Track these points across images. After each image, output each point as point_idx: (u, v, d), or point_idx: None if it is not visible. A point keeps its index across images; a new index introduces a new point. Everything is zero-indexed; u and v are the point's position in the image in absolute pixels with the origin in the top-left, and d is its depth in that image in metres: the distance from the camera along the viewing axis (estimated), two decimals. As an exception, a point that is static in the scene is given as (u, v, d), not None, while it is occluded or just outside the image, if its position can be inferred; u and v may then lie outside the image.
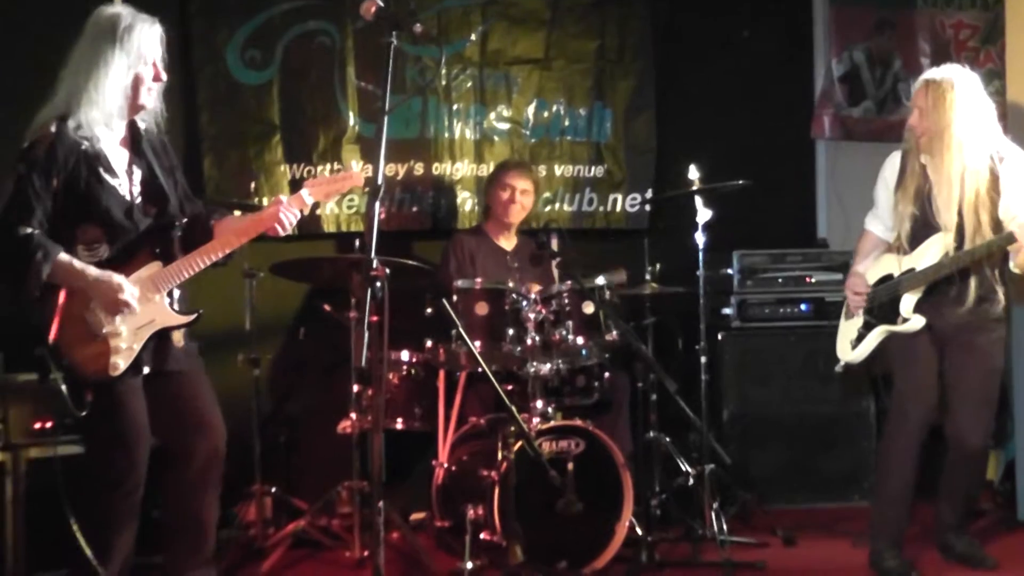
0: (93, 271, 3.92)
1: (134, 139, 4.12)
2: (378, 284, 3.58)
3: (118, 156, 4.06)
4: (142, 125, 4.14)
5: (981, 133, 4.78)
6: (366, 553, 5.09)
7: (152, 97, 4.09)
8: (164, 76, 4.09)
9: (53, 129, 3.89)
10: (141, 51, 3.99)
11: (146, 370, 4.03)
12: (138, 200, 4.08)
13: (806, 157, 7.42)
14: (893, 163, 5.03)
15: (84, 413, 3.90)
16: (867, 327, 5.03)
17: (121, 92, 3.97)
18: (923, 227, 4.85)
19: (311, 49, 6.33)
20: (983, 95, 4.84)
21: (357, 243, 5.50)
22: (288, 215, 4.21)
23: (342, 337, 5.34)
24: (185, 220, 4.23)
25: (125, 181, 4.05)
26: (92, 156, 3.94)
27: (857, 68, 7.21)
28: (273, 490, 5.56)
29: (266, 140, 6.25)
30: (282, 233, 4.27)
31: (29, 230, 3.83)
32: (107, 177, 3.98)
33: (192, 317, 4.13)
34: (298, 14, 6.30)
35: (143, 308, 4.00)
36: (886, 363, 5.09)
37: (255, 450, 5.50)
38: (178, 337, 4.15)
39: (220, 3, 6.20)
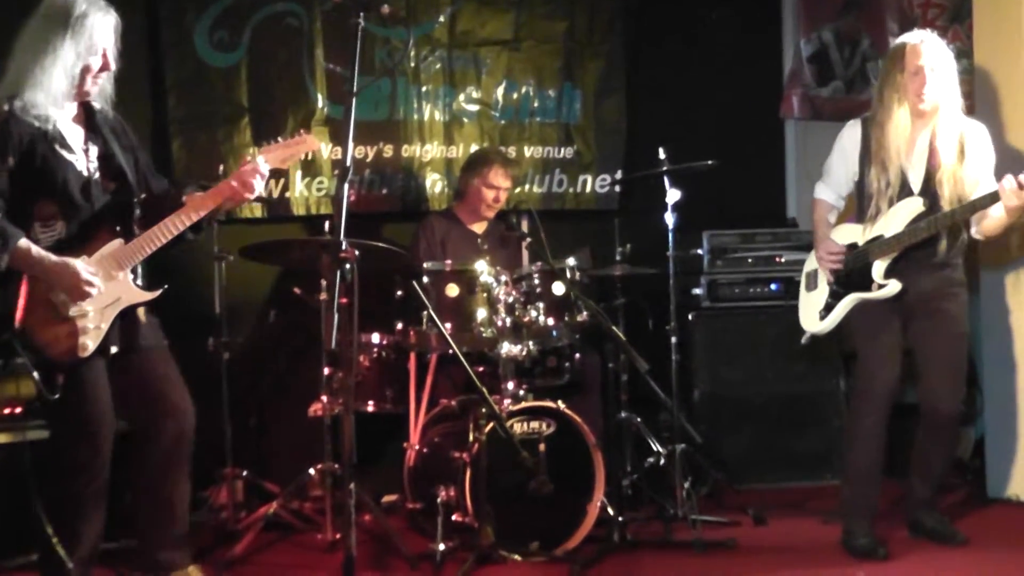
0: (50, 259, 3.88)
1: (88, 117, 4.10)
2: (348, 266, 3.57)
3: (73, 133, 4.04)
4: (96, 105, 4.12)
5: (959, 100, 4.84)
6: (338, 536, 5.08)
7: (98, 86, 4.07)
8: (113, 65, 4.06)
9: (6, 108, 3.86)
10: (92, 40, 3.96)
11: (114, 350, 4.02)
12: (95, 176, 4.06)
13: (775, 137, 7.46)
14: (853, 132, 5.01)
15: (56, 396, 3.87)
16: (835, 296, 5.00)
17: (67, 79, 3.94)
18: (896, 192, 4.83)
19: (279, 31, 6.30)
20: None
21: (327, 225, 5.47)
22: (246, 179, 4.18)
23: (312, 320, 5.32)
24: (145, 196, 4.20)
25: (82, 157, 4.02)
26: (47, 133, 3.91)
27: (826, 48, 7.22)
28: (244, 473, 5.56)
29: (235, 122, 6.23)
30: (248, 196, 4.23)
31: None
32: (63, 152, 3.96)
33: (157, 292, 4.11)
34: (266, -4, 6.29)
35: (108, 287, 3.99)
36: (851, 341, 5.11)
37: (226, 434, 5.49)
38: (141, 312, 4.14)
39: (188, -15, 6.17)
